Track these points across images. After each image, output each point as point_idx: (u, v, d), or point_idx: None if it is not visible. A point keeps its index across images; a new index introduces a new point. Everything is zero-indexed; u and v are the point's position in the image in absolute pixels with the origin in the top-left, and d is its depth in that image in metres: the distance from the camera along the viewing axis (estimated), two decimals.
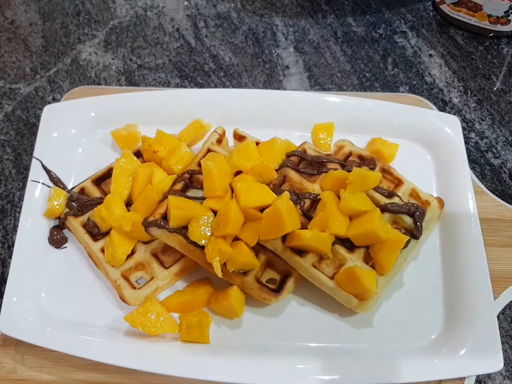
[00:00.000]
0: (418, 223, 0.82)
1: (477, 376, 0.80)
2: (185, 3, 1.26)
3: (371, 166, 0.87)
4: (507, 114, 1.08)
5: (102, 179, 0.92)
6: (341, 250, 0.78)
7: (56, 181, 0.92)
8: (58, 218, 0.88)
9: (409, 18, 1.23)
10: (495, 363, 0.74)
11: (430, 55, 1.17)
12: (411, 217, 0.82)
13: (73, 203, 0.88)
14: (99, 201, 0.87)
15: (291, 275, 0.80)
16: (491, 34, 1.18)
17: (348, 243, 0.79)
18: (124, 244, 0.83)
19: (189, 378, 0.74)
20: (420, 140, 0.97)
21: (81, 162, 0.95)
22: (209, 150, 0.89)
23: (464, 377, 0.78)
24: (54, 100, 1.11)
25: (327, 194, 0.79)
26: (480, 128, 1.07)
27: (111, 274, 0.82)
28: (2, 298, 0.83)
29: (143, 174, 0.87)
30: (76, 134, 0.97)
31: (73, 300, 0.83)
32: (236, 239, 0.77)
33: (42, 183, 0.90)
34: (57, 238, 0.87)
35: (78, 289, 0.84)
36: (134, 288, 0.81)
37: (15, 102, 1.11)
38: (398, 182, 0.87)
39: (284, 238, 0.77)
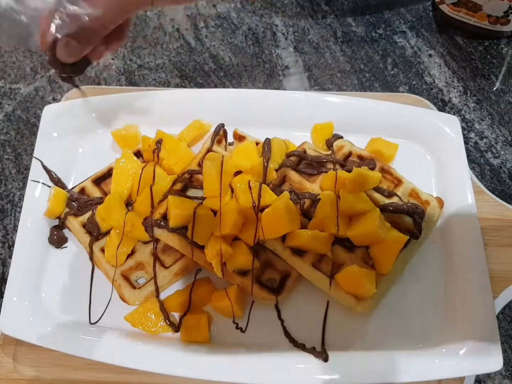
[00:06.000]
0: (417, 223, 0.82)
1: (477, 375, 0.80)
2: None
3: (370, 166, 0.87)
4: (507, 114, 1.08)
5: (102, 179, 0.92)
6: (341, 250, 0.78)
7: (56, 181, 0.92)
8: (58, 218, 0.89)
9: (409, 18, 1.23)
10: (494, 363, 0.74)
11: (430, 55, 1.17)
12: (411, 217, 0.82)
13: (73, 203, 0.89)
14: (99, 201, 0.87)
15: (291, 275, 0.80)
16: (491, 34, 1.18)
17: (347, 243, 0.79)
18: (124, 244, 0.83)
19: (189, 378, 0.74)
20: (419, 140, 0.97)
21: (81, 162, 0.95)
22: (209, 150, 0.89)
23: (464, 377, 0.78)
24: (54, 100, 1.11)
25: (327, 194, 0.79)
26: (479, 128, 1.07)
27: (111, 274, 0.82)
28: (2, 298, 0.83)
29: (143, 174, 0.87)
30: (76, 134, 0.97)
31: (73, 300, 0.83)
32: (236, 239, 0.77)
33: (42, 183, 0.90)
34: (57, 238, 0.87)
35: (78, 289, 0.84)
36: (134, 287, 0.82)
37: (15, 102, 1.11)
38: (398, 182, 0.87)
39: (284, 238, 0.77)
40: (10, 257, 0.88)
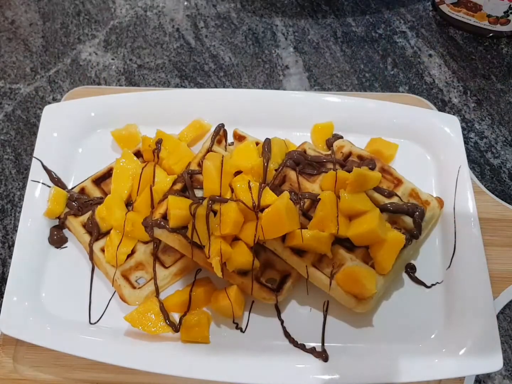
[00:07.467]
0: (417, 223, 0.82)
1: (477, 375, 0.80)
2: (185, 3, 1.26)
3: (370, 166, 0.87)
4: (507, 114, 1.08)
5: (102, 179, 0.92)
6: (341, 250, 0.78)
7: (56, 181, 0.92)
8: (58, 218, 0.89)
9: (409, 18, 1.23)
10: (494, 363, 0.74)
11: (430, 55, 1.17)
12: (411, 217, 0.82)
13: (73, 203, 0.88)
14: (99, 201, 0.87)
15: (291, 275, 0.80)
16: (491, 34, 1.18)
17: (347, 243, 0.79)
18: (124, 244, 0.83)
19: (189, 378, 0.74)
20: (419, 140, 0.97)
21: (81, 162, 0.95)
22: (209, 150, 0.89)
23: (464, 377, 0.78)
24: (54, 100, 1.11)
25: (327, 194, 0.79)
26: (479, 128, 1.07)
27: (111, 274, 0.82)
28: (2, 298, 0.83)
29: (143, 174, 0.87)
30: (76, 134, 0.97)
31: (73, 300, 0.83)
32: (236, 239, 0.77)
33: (42, 183, 0.90)
34: (57, 238, 0.87)
35: (78, 289, 0.84)
36: (134, 287, 0.82)
37: (15, 102, 1.11)
38: (398, 182, 0.87)
39: (284, 238, 0.77)
40: (10, 257, 0.88)
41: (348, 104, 0.98)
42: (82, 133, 0.97)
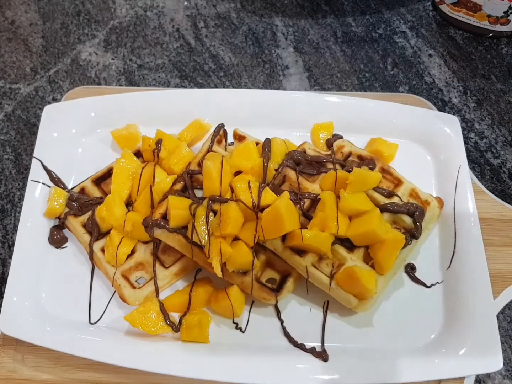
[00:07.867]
0: (417, 223, 0.82)
1: (477, 375, 0.80)
2: (185, 3, 1.26)
3: (370, 166, 0.87)
4: (507, 114, 1.08)
5: (102, 179, 0.92)
6: (341, 250, 0.78)
7: (56, 181, 0.92)
8: (58, 218, 0.89)
9: (409, 18, 1.23)
10: (494, 363, 0.74)
11: (430, 55, 1.17)
12: (411, 217, 0.82)
13: (73, 203, 0.89)
14: (99, 201, 0.87)
15: (291, 275, 0.80)
16: (491, 34, 1.18)
17: (347, 243, 0.79)
18: (124, 244, 0.83)
19: (189, 378, 0.74)
20: (419, 140, 0.97)
21: (81, 162, 0.95)
22: (209, 150, 0.89)
23: (464, 377, 0.78)
24: (54, 100, 1.11)
25: (327, 194, 0.79)
26: (479, 128, 1.07)
27: (111, 274, 0.82)
28: (2, 298, 0.83)
29: (143, 174, 0.87)
30: (76, 134, 0.97)
31: (73, 300, 0.83)
32: (236, 239, 0.77)
33: (42, 183, 0.90)
34: (57, 238, 0.87)
35: (78, 289, 0.84)
36: (134, 287, 0.82)
37: (15, 102, 1.11)
38: (398, 182, 0.87)
39: (284, 238, 0.77)
40: (10, 257, 0.88)
41: (348, 104, 0.98)
42: (82, 133, 0.97)
